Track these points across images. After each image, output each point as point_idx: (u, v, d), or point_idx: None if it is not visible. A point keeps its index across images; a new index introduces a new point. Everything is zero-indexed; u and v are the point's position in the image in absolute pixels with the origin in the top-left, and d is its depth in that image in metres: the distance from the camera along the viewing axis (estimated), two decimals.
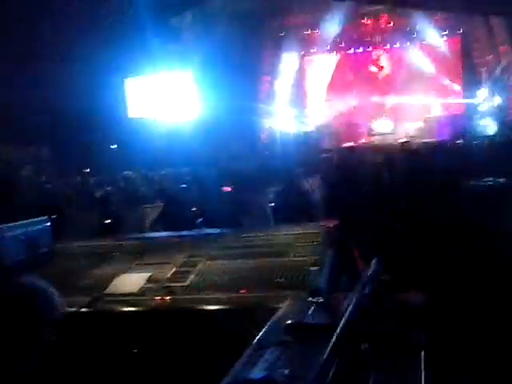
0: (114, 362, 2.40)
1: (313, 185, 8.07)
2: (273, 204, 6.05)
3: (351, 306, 1.65)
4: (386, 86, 24.88)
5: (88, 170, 17.91)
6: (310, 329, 1.77)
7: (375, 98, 24.76)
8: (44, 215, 3.88)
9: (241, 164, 11.92)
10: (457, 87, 24.26)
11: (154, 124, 21.78)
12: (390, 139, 22.99)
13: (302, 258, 2.81)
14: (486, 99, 22.92)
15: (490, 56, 23.03)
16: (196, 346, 2.41)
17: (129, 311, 2.57)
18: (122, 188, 9.93)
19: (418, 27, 23.62)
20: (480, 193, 4.83)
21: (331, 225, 3.13)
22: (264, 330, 1.83)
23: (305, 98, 26.24)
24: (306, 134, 24.83)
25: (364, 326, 1.71)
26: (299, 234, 3.07)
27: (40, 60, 11.63)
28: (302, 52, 25.83)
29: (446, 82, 24.34)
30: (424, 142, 18.77)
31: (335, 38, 24.85)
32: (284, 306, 2.07)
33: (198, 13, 21.51)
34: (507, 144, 12.04)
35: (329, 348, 1.47)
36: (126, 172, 14.93)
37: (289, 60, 25.40)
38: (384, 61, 25.09)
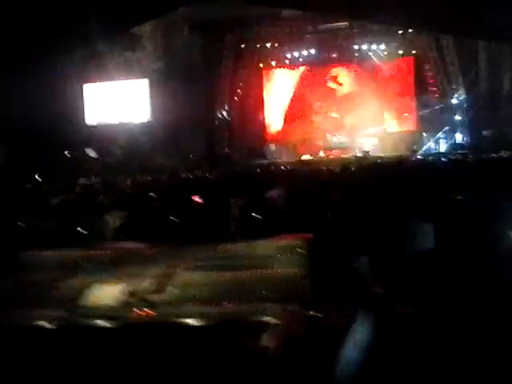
0: (91, 379, 2.26)
1: (275, 198, 8.07)
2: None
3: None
4: (344, 102, 25.42)
5: (38, 176, 17.34)
6: (311, 345, 1.72)
7: (333, 114, 25.26)
8: None
9: (203, 174, 11.83)
10: (411, 105, 25.07)
11: (110, 131, 21.37)
12: (345, 153, 23.49)
13: (284, 270, 2.76)
14: (438, 117, 23.82)
15: (441, 76, 23.96)
16: (180, 362, 2.30)
17: (106, 325, 2.43)
18: (79, 195, 9.61)
19: (373, 46, 24.31)
20: None
21: (309, 236, 3.09)
22: (262, 344, 1.76)
23: (262, 111, 26.44)
24: (262, 145, 24.99)
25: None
26: (278, 245, 3.01)
27: None
28: (261, 65, 26.09)
29: (401, 100, 25.14)
30: (380, 157, 19.28)
31: (294, 52, 25.25)
32: (275, 320, 2.00)
33: (159, 21, 21.35)
34: (459, 162, 12.51)
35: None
36: (81, 179, 14.55)
37: (248, 72, 25.57)
38: (343, 78, 25.63)
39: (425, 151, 22.01)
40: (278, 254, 2.92)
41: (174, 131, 21.24)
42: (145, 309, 2.55)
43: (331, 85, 24.86)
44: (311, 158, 23.34)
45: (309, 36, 24.26)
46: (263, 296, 2.52)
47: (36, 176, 17.11)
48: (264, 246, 3.01)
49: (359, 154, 22.56)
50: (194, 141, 23.25)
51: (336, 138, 24.47)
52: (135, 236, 5.24)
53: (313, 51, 24.57)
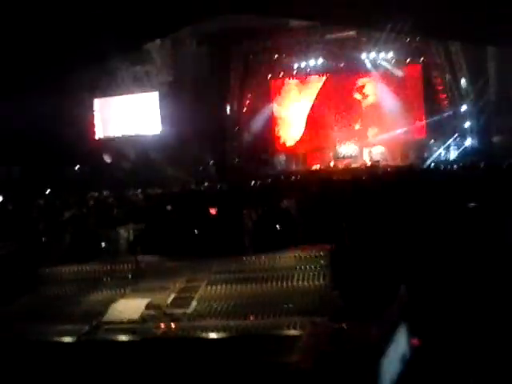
0: None
1: (289, 208, 8.05)
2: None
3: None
4: (354, 111, 25.42)
5: (48, 191, 17.48)
6: (346, 357, 1.70)
7: (349, 121, 25.26)
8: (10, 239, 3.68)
9: (214, 187, 11.87)
10: (420, 113, 25.00)
11: (120, 144, 21.51)
12: (355, 163, 23.46)
13: (308, 283, 2.74)
14: (447, 124, 23.73)
15: (449, 83, 23.88)
16: (204, 376, 2.29)
17: (132, 340, 2.42)
18: (92, 209, 9.66)
19: (382, 55, 24.30)
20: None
21: (331, 247, 3.07)
22: (295, 358, 1.75)
23: (272, 121, 26.46)
24: (272, 156, 25.03)
25: None
26: (301, 257, 2.99)
27: (9, 81, 11.35)
28: (270, 76, 26.17)
29: (410, 108, 25.08)
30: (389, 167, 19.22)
31: (302, 63, 25.34)
32: (305, 334, 1.98)
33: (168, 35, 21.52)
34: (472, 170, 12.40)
35: None
36: (92, 192, 14.62)
37: (256, 83, 25.68)
38: (365, 87, 25.57)
39: (435, 159, 21.93)
40: (300, 266, 2.91)
41: (184, 143, 21.34)
42: (169, 323, 2.55)
43: (356, 95, 24.67)
44: (322, 167, 23.37)
45: (316, 46, 24.36)
46: (288, 309, 2.50)
47: (46, 191, 17.25)
48: (285, 258, 2.99)
49: (368, 164, 22.57)
50: (204, 152, 23.35)
51: (345, 148, 24.43)
52: (152, 249, 5.23)
53: (320, 61, 24.64)
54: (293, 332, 2.29)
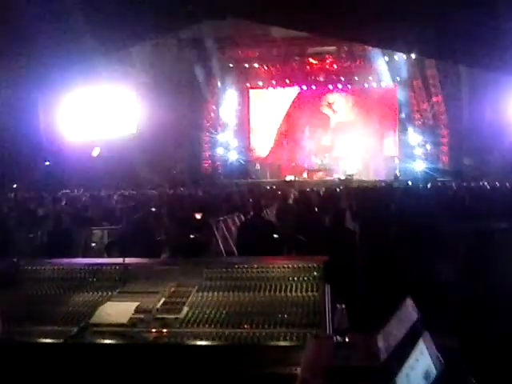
0: None
1: (271, 216, 8.03)
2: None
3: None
4: (336, 128, 25.68)
5: (15, 186, 17.00)
6: (356, 372, 1.67)
7: (324, 141, 25.49)
8: None
9: (193, 191, 11.74)
10: (394, 131, 25.41)
11: (94, 143, 21.13)
12: (329, 175, 23.64)
13: (301, 294, 2.72)
14: (418, 145, 24.21)
15: (425, 105, 24.36)
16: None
17: (121, 344, 2.34)
18: (65, 207, 9.43)
19: (360, 71, 24.65)
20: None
21: (324, 260, 3.05)
22: (301, 371, 1.71)
23: (248, 130, 26.47)
24: (247, 165, 25.00)
25: None
26: (294, 267, 2.96)
27: None
28: (248, 84, 26.22)
29: (385, 126, 25.48)
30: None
31: (281, 73, 25.50)
32: (309, 346, 1.95)
33: None
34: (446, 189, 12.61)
35: None
36: (65, 190, 14.31)
37: (235, 91, 25.70)
38: (335, 104, 25.84)
39: (406, 177, 22.24)
40: (294, 277, 2.88)
41: (159, 146, 21.12)
42: (160, 328, 2.47)
43: (326, 111, 24.94)
44: (296, 179, 23.47)
45: (297, 58, 24.55)
46: (283, 320, 2.47)
47: (14, 186, 16.79)
48: (278, 268, 2.95)
49: (342, 177, 22.76)
50: (178, 156, 23.17)
51: (320, 161, 24.63)
52: (128, 250, 5.11)
53: (300, 74, 24.83)
54: (290, 343, 2.26)
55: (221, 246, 6.85)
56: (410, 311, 1.84)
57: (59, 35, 10.91)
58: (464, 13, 7.25)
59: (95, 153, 19.01)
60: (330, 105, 25.61)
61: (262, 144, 26.18)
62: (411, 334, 1.61)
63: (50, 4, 9.59)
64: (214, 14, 11.84)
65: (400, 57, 23.52)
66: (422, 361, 1.36)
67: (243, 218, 7.27)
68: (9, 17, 9.03)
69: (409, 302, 1.90)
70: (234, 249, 5.78)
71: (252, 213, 5.67)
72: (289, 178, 23.06)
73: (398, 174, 22.85)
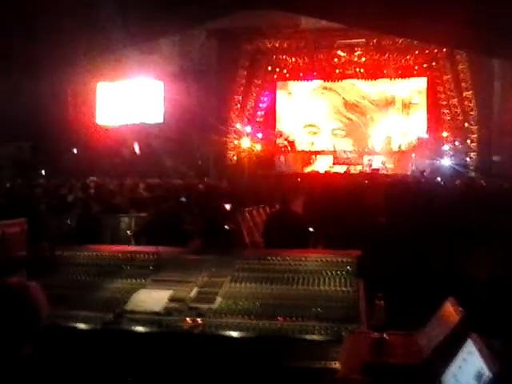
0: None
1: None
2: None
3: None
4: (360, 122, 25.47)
5: (43, 172, 17.30)
6: (393, 369, 1.65)
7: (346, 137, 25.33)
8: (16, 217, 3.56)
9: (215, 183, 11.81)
10: (423, 125, 25.05)
11: (121, 131, 21.33)
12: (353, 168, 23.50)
13: (335, 288, 2.70)
14: (447, 140, 23.81)
15: (455, 100, 23.91)
16: (229, 374, 2.23)
17: (157, 332, 2.37)
18: (94, 194, 9.54)
19: (391, 64, 24.31)
20: None
21: (357, 254, 3.03)
22: (341, 366, 1.70)
23: (274, 121, 26.38)
24: (272, 156, 24.97)
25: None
26: (327, 261, 2.95)
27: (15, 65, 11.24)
28: (275, 76, 26.10)
29: (413, 119, 25.15)
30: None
31: (308, 66, 25.30)
32: (347, 341, 1.93)
33: None
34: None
35: None
36: (92, 177, 14.48)
37: (262, 82, 25.61)
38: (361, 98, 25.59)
39: (435, 172, 21.95)
40: (328, 271, 2.86)
41: (185, 135, 21.21)
42: (195, 318, 2.48)
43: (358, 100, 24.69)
44: (320, 171, 23.37)
45: (324, 50, 24.30)
46: (317, 314, 2.45)
47: (43, 172, 17.08)
48: (310, 261, 2.94)
49: (368, 170, 22.60)
50: (204, 147, 23.21)
51: (345, 154, 24.46)
52: (156, 238, 5.14)
53: (328, 67, 24.59)
54: (325, 338, 2.24)
55: (246, 237, 6.87)
56: (452, 311, 1.81)
57: (89, 25, 11.01)
58: (502, 5, 7.08)
59: (136, 149, 19.29)
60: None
61: (288, 136, 26.10)
62: (455, 334, 1.58)
63: None
64: (249, 4, 11.76)
65: (431, 51, 23.11)
66: (471, 361, 1.33)
67: (268, 209, 7.25)
68: (40, 8, 9.15)
69: (451, 302, 1.87)
70: (261, 240, 5.77)
71: (279, 205, 5.65)
72: (313, 169, 23.00)
73: (424, 170, 22.56)
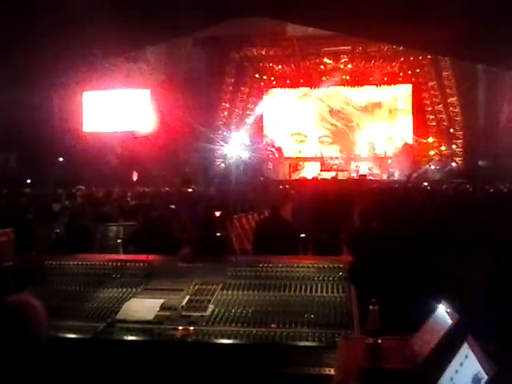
0: None
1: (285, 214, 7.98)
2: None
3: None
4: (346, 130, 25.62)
5: (29, 181, 17.14)
6: (390, 374, 1.64)
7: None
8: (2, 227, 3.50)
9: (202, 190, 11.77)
10: (407, 131, 25.26)
11: (107, 140, 21.20)
12: (341, 175, 23.60)
13: (327, 294, 2.70)
14: (433, 145, 24.06)
15: (440, 106, 24.17)
16: (223, 383, 2.21)
17: (149, 340, 2.34)
18: (81, 203, 9.46)
19: (377, 71, 24.53)
20: None
21: (348, 260, 3.03)
22: (335, 373, 1.69)
23: (261, 129, 26.44)
24: (261, 164, 25.00)
25: None
26: (318, 267, 2.94)
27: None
28: (262, 83, 26.19)
29: (398, 125, 25.36)
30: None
31: (295, 73, 25.45)
32: (341, 347, 1.92)
33: None
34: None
35: None
36: (79, 186, 14.36)
37: (249, 89, 25.69)
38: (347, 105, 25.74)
39: (421, 178, 22.11)
40: (319, 277, 2.86)
41: (173, 143, 21.15)
42: (187, 326, 2.46)
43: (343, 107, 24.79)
44: (307, 177, 23.45)
45: (311, 57, 24.45)
46: (310, 320, 2.45)
47: (28, 181, 16.92)
48: (303, 267, 2.94)
49: (355, 176, 22.74)
50: (192, 154, 23.16)
51: (332, 161, 24.60)
52: (145, 247, 5.10)
53: (314, 74, 24.73)
54: (319, 344, 2.23)
55: (235, 244, 6.85)
56: (445, 315, 1.81)
57: (76, 33, 10.95)
58: (490, 11, 7.17)
59: (134, 177, 19.34)
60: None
61: (275, 143, 26.16)
62: (450, 338, 1.58)
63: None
64: (238, 13, 11.75)
65: (415, 57, 23.38)
66: (468, 365, 1.33)
67: (257, 216, 7.24)
68: (28, 12, 9.07)
69: (444, 306, 1.87)
70: (250, 247, 5.76)
71: (268, 211, 5.64)
72: (300, 176, 23.06)
73: (412, 175, 22.72)
